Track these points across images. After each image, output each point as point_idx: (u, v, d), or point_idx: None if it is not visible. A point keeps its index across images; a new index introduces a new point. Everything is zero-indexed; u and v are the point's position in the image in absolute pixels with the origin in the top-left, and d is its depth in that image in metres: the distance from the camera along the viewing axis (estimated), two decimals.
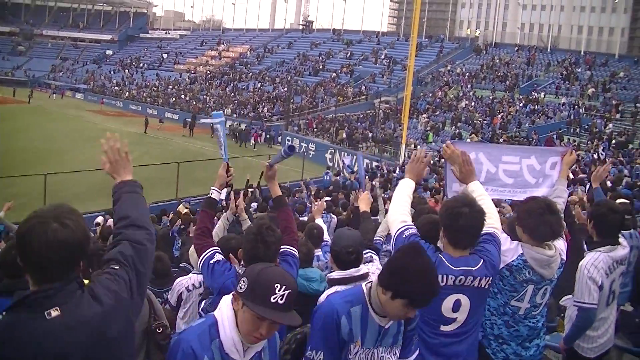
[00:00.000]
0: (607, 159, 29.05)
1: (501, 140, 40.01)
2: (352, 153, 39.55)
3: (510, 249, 4.41)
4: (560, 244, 4.57)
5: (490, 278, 4.04)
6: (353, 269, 4.40)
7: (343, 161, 38.12)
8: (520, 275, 4.40)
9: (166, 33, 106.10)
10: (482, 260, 4.01)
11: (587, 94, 48.77)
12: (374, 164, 36.31)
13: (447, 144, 5.06)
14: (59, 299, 2.46)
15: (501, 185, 5.48)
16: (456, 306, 3.97)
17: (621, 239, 5.37)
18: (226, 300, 3.07)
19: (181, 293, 6.67)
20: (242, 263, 4.46)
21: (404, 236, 4.16)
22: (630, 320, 6.32)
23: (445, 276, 3.91)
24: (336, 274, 4.43)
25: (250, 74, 74.75)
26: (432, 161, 32.98)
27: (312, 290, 5.39)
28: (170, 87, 76.17)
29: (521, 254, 4.37)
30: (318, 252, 7.32)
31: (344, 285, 4.38)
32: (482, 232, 4.17)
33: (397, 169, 30.18)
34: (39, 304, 2.43)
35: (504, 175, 5.47)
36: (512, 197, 5.57)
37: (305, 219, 11.54)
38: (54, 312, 2.42)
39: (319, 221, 7.79)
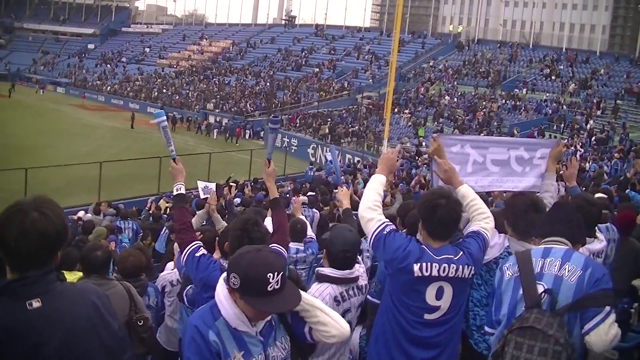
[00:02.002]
0: (586, 156, 29.27)
1: (482, 135, 40.22)
2: (329, 147, 39.70)
3: (497, 243, 4.48)
4: None
5: (472, 267, 4.05)
6: (347, 271, 4.43)
7: (325, 157, 38.15)
8: None
9: (148, 27, 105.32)
10: (461, 252, 4.03)
11: (569, 91, 49.13)
12: (356, 159, 36.40)
13: (434, 137, 5.08)
14: (39, 288, 2.48)
15: (487, 174, 5.40)
16: (439, 294, 3.99)
17: (598, 233, 5.41)
18: (220, 280, 3.13)
19: (164, 286, 6.67)
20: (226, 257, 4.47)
21: (385, 232, 4.13)
22: None
23: (429, 264, 3.92)
24: (329, 272, 4.44)
25: (233, 68, 74.52)
26: (409, 153, 33.17)
27: None
28: (159, 80, 75.98)
29: (507, 246, 4.43)
30: (299, 245, 7.35)
31: (334, 284, 4.42)
32: (471, 230, 4.22)
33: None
34: (20, 293, 2.45)
35: (491, 164, 5.40)
36: (499, 186, 5.49)
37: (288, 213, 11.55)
38: (36, 303, 2.43)
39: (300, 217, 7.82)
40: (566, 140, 37.14)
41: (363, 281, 4.66)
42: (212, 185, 19.48)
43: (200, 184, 19.47)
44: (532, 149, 5.53)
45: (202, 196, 18.01)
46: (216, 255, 4.80)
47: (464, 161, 5.26)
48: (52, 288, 2.52)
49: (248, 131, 52.44)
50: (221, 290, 3.06)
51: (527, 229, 4.37)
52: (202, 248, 4.32)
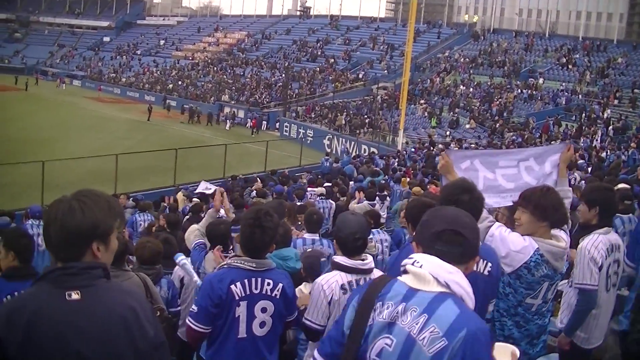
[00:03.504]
0: (604, 146, 29.04)
1: (497, 125, 40.15)
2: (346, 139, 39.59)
3: (525, 247, 4.33)
4: (565, 237, 4.56)
5: (490, 264, 4.01)
6: (359, 261, 4.41)
7: (345, 147, 38.11)
8: (538, 271, 4.35)
9: (164, 19, 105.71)
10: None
11: (586, 80, 48.76)
12: (372, 149, 36.36)
13: (442, 154, 5.07)
14: (81, 281, 2.53)
15: (502, 190, 5.42)
16: None
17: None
18: (459, 270, 2.67)
19: (182, 277, 6.61)
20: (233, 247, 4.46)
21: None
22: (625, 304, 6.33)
23: None
24: (341, 259, 4.43)
25: (248, 60, 74.54)
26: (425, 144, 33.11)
27: (288, 269, 5.43)
28: (175, 71, 76.45)
29: (537, 249, 4.31)
30: (315, 236, 7.31)
31: (343, 272, 4.40)
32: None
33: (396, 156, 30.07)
34: (61, 282, 2.51)
35: (504, 180, 5.42)
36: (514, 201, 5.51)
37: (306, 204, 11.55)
38: (75, 295, 2.48)
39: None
40: (583, 130, 36.97)
41: (379, 275, 4.59)
42: (213, 188, 19.46)
43: (203, 185, 19.53)
44: (541, 159, 5.54)
45: (198, 190, 18.22)
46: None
47: (474, 177, 5.23)
48: (95, 284, 2.56)
49: (264, 122, 52.51)
50: (467, 283, 2.64)
51: (547, 210, 4.32)
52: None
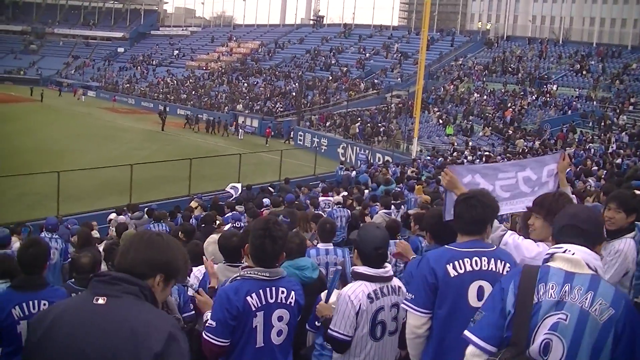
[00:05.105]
0: (619, 152, 28.81)
1: (510, 133, 40.01)
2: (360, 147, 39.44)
3: (539, 252, 4.29)
4: None
5: (508, 264, 4.02)
6: (381, 270, 4.52)
7: (364, 156, 38.00)
8: None
9: (184, 30, 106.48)
10: (494, 246, 4.15)
11: (600, 86, 48.53)
12: (386, 158, 36.31)
13: (445, 171, 5.12)
14: (112, 290, 2.65)
15: (498, 200, 5.47)
16: (480, 293, 3.93)
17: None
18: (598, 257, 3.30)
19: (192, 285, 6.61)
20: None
21: None
22: None
23: (460, 262, 3.94)
24: (364, 269, 4.51)
25: (262, 69, 74.64)
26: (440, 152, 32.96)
27: (305, 279, 5.48)
28: (190, 81, 76.76)
29: None
30: (329, 246, 7.30)
31: (368, 281, 4.47)
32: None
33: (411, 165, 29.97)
34: (93, 287, 2.69)
35: (501, 190, 5.48)
36: (510, 209, 5.59)
37: (321, 212, 11.58)
38: (101, 300, 2.60)
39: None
40: (599, 137, 36.77)
41: (398, 282, 4.69)
42: (239, 185, 20.31)
43: (229, 187, 20.98)
44: (538, 168, 5.62)
45: (234, 195, 19.47)
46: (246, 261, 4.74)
47: None
48: (123, 296, 2.65)
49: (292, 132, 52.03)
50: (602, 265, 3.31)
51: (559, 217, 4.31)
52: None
